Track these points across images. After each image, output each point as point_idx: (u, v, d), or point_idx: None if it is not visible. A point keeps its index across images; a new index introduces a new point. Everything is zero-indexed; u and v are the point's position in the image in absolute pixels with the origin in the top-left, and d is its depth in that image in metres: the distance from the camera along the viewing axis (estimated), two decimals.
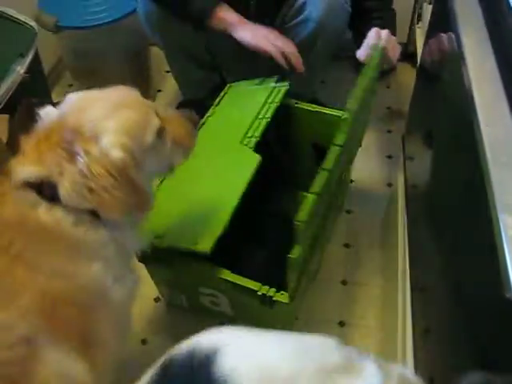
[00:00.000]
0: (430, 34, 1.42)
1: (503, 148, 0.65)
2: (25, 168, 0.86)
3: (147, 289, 1.41)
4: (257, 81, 1.55)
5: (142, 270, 1.27)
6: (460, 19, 0.93)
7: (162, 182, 1.23)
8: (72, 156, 0.83)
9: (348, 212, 1.72)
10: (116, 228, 0.92)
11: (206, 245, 1.08)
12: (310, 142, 1.54)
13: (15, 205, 0.85)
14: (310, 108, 1.50)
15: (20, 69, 1.54)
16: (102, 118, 0.87)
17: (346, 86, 1.52)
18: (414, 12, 2.08)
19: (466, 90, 0.78)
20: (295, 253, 1.01)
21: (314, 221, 1.10)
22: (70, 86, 2.22)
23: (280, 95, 1.43)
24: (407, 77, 2.15)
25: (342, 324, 1.45)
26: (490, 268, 0.59)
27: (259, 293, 1.12)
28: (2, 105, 1.47)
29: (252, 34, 1.49)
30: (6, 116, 1.42)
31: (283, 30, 1.67)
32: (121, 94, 0.93)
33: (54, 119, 0.90)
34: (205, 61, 1.80)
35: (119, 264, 0.94)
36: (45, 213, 0.85)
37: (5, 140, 1.38)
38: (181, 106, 2.00)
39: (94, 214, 0.88)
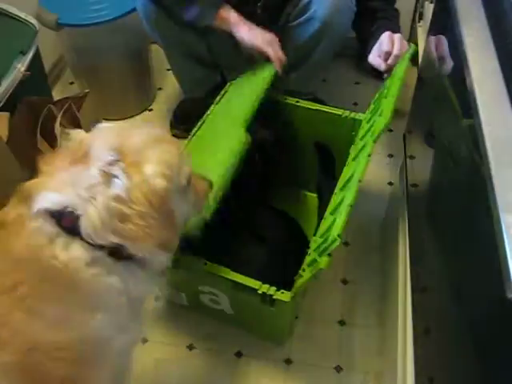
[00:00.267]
0: (432, 32, 1.42)
1: (505, 147, 0.65)
2: (46, 193, 0.81)
3: None
4: (253, 71, 1.56)
5: None
6: (462, 18, 0.92)
7: None
8: (108, 179, 0.80)
9: None
10: (132, 271, 0.87)
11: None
12: (311, 140, 1.54)
13: (30, 237, 0.79)
14: (310, 106, 1.50)
15: (21, 66, 1.54)
16: (144, 147, 0.84)
17: (347, 85, 1.54)
18: (415, 11, 2.07)
19: (468, 89, 0.78)
20: (324, 264, 1.00)
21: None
22: (71, 83, 2.22)
23: (268, 80, 1.46)
24: (408, 75, 2.14)
25: (342, 323, 1.45)
26: (492, 268, 0.59)
27: (259, 291, 1.12)
28: (3, 102, 1.47)
29: (251, 34, 1.50)
30: (7, 114, 1.42)
31: (288, 28, 1.67)
32: (156, 130, 0.90)
33: (85, 143, 0.85)
34: (206, 59, 1.80)
35: (127, 314, 0.87)
36: (61, 249, 0.79)
37: (5, 138, 1.37)
38: (182, 104, 2.00)
39: (113, 254, 0.83)
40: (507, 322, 0.58)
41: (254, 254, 1.33)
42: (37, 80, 1.68)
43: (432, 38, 1.36)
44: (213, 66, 1.85)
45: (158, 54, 2.06)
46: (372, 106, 1.39)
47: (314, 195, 1.67)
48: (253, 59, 1.75)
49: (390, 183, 1.77)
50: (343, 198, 1.10)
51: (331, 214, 1.16)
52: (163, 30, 1.67)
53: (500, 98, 0.72)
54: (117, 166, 0.80)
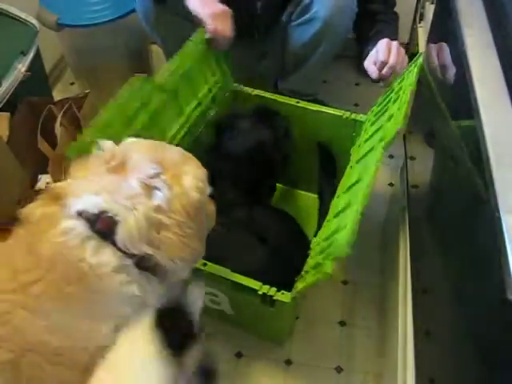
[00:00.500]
0: (433, 33, 1.42)
1: (506, 148, 0.65)
2: (84, 196, 0.82)
3: None
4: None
5: None
6: (463, 19, 0.93)
7: None
8: (149, 191, 0.83)
9: None
10: (151, 282, 0.87)
11: None
12: (311, 141, 1.54)
13: (60, 236, 0.80)
14: (311, 107, 1.50)
15: (21, 67, 1.54)
16: (180, 162, 0.89)
17: (348, 86, 1.54)
18: (416, 11, 2.07)
19: (469, 89, 0.78)
20: (329, 268, 0.99)
21: None
22: (72, 84, 2.22)
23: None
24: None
25: (342, 324, 1.45)
26: (492, 268, 0.59)
27: (260, 292, 1.12)
28: (3, 103, 1.47)
29: (200, 3, 1.43)
30: (7, 114, 1.42)
31: (289, 28, 1.67)
32: (180, 149, 0.95)
33: (119, 154, 0.87)
34: None
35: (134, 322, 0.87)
36: (91, 252, 0.80)
37: (5, 138, 1.38)
38: None
39: (139, 264, 0.84)
40: (508, 322, 0.58)
41: (255, 255, 1.33)
42: (37, 80, 1.68)
43: (433, 38, 1.37)
44: None
45: (158, 54, 2.06)
46: (377, 109, 1.39)
47: (314, 195, 1.67)
48: (256, 59, 1.76)
49: (391, 184, 1.77)
50: (349, 203, 1.09)
51: (335, 217, 1.16)
52: (162, 30, 1.67)
53: (501, 99, 0.72)
54: (159, 179, 0.84)
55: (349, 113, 1.47)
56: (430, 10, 1.76)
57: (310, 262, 1.13)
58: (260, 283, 1.13)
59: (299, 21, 1.61)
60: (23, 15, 1.63)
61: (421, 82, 1.26)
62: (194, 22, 1.58)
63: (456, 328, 0.85)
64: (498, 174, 0.61)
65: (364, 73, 1.50)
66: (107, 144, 0.90)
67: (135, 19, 1.72)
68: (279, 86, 1.84)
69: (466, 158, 0.84)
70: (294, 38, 1.65)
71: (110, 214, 0.80)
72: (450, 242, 0.95)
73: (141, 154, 0.88)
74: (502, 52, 0.81)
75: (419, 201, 1.28)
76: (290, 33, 1.66)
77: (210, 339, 1.41)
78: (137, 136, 0.98)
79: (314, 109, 1.49)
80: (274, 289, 1.12)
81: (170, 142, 1.32)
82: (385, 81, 1.45)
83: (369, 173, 1.10)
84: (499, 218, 0.57)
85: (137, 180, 0.83)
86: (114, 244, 0.81)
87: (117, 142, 0.93)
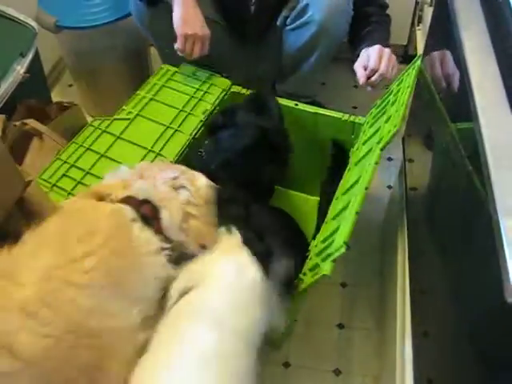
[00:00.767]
0: (431, 36, 1.42)
1: (504, 151, 0.65)
2: (128, 186, 0.97)
3: None
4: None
5: None
6: (461, 21, 0.93)
7: None
8: (176, 189, 0.99)
9: None
10: (176, 268, 0.95)
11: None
12: (310, 143, 1.54)
13: (110, 215, 0.91)
14: (309, 109, 1.50)
15: (20, 68, 1.54)
16: (186, 170, 1.07)
17: (346, 88, 1.54)
18: (414, 14, 2.07)
19: (467, 92, 0.78)
20: (327, 270, 0.99)
21: None
22: (70, 86, 2.22)
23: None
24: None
25: (341, 326, 1.45)
26: (491, 271, 0.59)
27: None
28: (2, 104, 1.47)
29: (182, 19, 1.47)
30: (3, 116, 1.42)
31: (285, 32, 1.67)
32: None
33: (137, 171, 1.04)
34: (201, 61, 1.80)
35: (157, 309, 0.91)
36: (138, 230, 0.91)
37: None
38: None
39: (173, 250, 0.95)
40: (506, 325, 0.58)
41: (253, 254, 1.32)
42: (36, 82, 1.68)
43: (431, 41, 1.37)
44: (209, 68, 1.85)
45: (156, 56, 2.06)
46: (375, 111, 1.39)
47: (313, 198, 1.67)
48: (254, 62, 1.75)
49: (389, 187, 1.77)
50: (348, 204, 1.09)
51: (333, 219, 1.15)
52: (157, 32, 1.67)
53: (500, 101, 0.72)
54: (182, 178, 1.01)
55: (347, 115, 1.47)
56: (428, 12, 1.76)
57: (308, 263, 1.13)
58: None
59: (295, 25, 1.62)
60: (22, 17, 1.63)
61: (419, 84, 1.27)
62: None
63: (454, 329, 0.85)
64: (496, 176, 0.61)
65: (355, 73, 1.52)
66: (123, 168, 1.07)
67: (134, 21, 1.72)
68: (277, 89, 1.84)
69: (464, 161, 0.84)
70: (290, 41, 1.66)
71: (152, 202, 0.95)
72: (448, 245, 0.95)
73: (156, 167, 1.06)
74: (501, 54, 0.81)
75: (418, 203, 1.28)
76: (286, 37, 1.67)
77: None
78: None
79: (313, 111, 1.49)
80: None
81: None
82: (372, 87, 1.49)
83: (366, 174, 1.10)
84: (497, 221, 0.57)
85: (164, 180, 0.99)
86: (156, 229, 0.93)
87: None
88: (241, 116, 1.38)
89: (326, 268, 0.98)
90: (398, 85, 1.34)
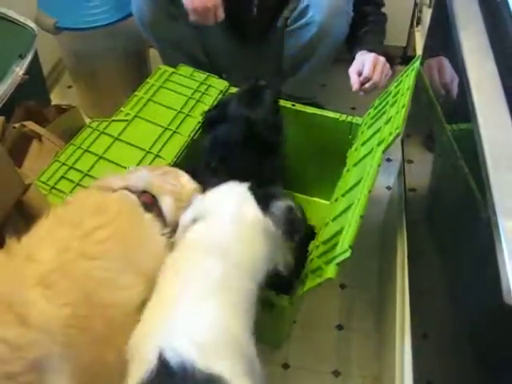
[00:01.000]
0: (430, 37, 1.42)
1: (503, 151, 0.65)
2: (128, 178, 1.06)
3: None
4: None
5: None
6: (460, 22, 0.93)
7: None
8: (165, 184, 1.09)
9: None
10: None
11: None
12: (308, 143, 1.54)
13: (119, 197, 1.00)
14: (307, 110, 1.50)
15: (19, 70, 1.54)
16: (172, 170, 1.19)
17: (345, 89, 1.54)
18: (413, 15, 2.08)
19: (466, 93, 0.78)
20: (331, 273, 0.98)
21: None
22: (69, 87, 2.22)
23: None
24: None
25: (340, 327, 1.45)
26: (490, 272, 0.58)
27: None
28: (1, 106, 1.47)
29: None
30: (1, 118, 1.42)
31: (285, 33, 1.67)
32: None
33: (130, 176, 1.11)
34: (202, 62, 1.80)
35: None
36: (143, 212, 1.00)
37: None
38: None
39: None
40: (505, 326, 0.58)
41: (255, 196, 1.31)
42: (35, 83, 1.68)
43: (430, 42, 1.37)
44: (210, 68, 1.85)
45: (156, 58, 2.06)
46: (373, 112, 1.39)
47: (311, 198, 1.67)
48: (254, 61, 1.75)
49: (389, 187, 1.77)
50: (349, 206, 1.08)
51: (333, 220, 1.15)
52: (158, 33, 1.67)
53: (498, 102, 0.72)
54: (169, 176, 1.12)
55: (345, 115, 1.47)
56: (427, 13, 1.76)
57: (310, 265, 1.13)
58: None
59: (295, 26, 1.62)
60: (21, 18, 1.63)
61: (418, 85, 1.27)
62: (188, 24, 1.59)
63: (454, 331, 0.85)
64: (495, 177, 0.61)
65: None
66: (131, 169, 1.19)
67: (133, 23, 1.72)
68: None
69: (463, 162, 0.84)
70: (291, 42, 1.66)
71: (150, 192, 1.04)
72: (447, 245, 0.95)
73: (146, 168, 1.16)
74: (499, 55, 0.81)
75: (417, 204, 1.28)
76: (287, 38, 1.67)
77: None
78: None
79: (310, 112, 1.49)
80: (273, 292, 1.12)
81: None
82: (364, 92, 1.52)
83: (369, 176, 1.10)
84: (496, 222, 0.57)
85: (157, 176, 1.09)
86: (156, 215, 1.01)
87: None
88: (232, 109, 1.36)
89: (331, 271, 0.97)
90: (396, 86, 1.34)
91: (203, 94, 1.52)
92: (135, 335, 0.86)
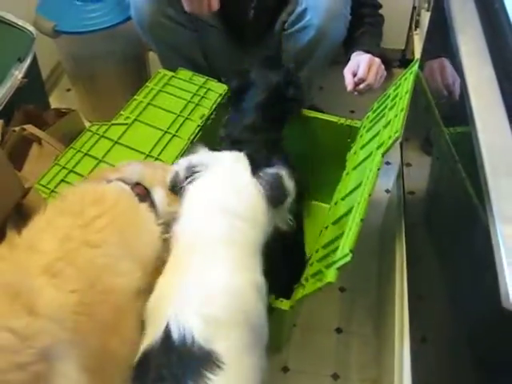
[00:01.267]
0: (428, 40, 1.42)
1: (501, 156, 0.65)
2: (124, 170, 1.09)
3: None
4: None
5: None
6: (458, 27, 0.93)
7: None
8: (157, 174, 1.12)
9: None
10: None
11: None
12: (306, 147, 1.54)
13: (113, 188, 1.02)
14: (305, 113, 1.50)
15: (18, 73, 1.54)
16: (161, 165, 1.23)
17: (344, 92, 1.54)
18: (411, 18, 2.08)
19: (464, 97, 0.78)
20: (332, 277, 0.98)
21: None
22: (68, 90, 2.22)
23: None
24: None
25: (339, 331, 1.45)
26: (488, 276, 0.59)
27: None
28: (0, 109, 1.47)
29: None
30: (1, 121, 1.42)
31: (283, 36, 1.67)
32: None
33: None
34: (201, 65, 1.80)
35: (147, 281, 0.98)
36: (138, 203, 1.02)
37: None
38: None
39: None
40: (504, 330, 0.58)
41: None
42: (34, 87, 1.68)
43: (429, 45, 1.37)
44: (208, 72, 1.85)
45: (155, 61, 2.06)
46: (372, 115, 1.39)
47: (314, 202, 1.67)
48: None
49: (387, 191, 1.78)
50: (349, 209, 1.08)
51: (333, 224, 1.15)
52: (157, 36, 1.67)
53: (496, 106, 0.73)
54: (160, 169, 1.14)
55: (344, 119, 1.47)
56: (425, 17, 1.77)
57: (310, 269, 1.12)
58: None
59: (293, 29, 1.62)
60: (20, 22, 1.63)
61: (416, 88, 1.27)
62: (187, 27, 1.59)
63: (452, 335, 0.85)
64: (493, 182, 0.61)
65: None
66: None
67: (132, 26, 1.72)
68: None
69: (461, 166, 0.84)
70: (289, 46, 1.66)
71: (143, 185, 1.06)
72: (446, 249, 0.95)
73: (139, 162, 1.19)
74: (497, 59, 0.81)
75: (415, 207, 1.28)
76: (285, 41, 1.67)
77: None
78: None
79: (309, 115, 1.50)
80: (273, 296, 1.12)
81: None
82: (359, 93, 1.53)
83: (368, 180, 1.10)
84: (494, 227, 0.57)
85: (149, 168, 1.12)
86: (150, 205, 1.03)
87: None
88: (257, 74, 1.39)
89: (331, 275, 0.97)
90: (395, 89, 1.34)
91: (202, 97, 1.52)
92: (151, 299, 0.90)
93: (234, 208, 1.00)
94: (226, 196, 1.03)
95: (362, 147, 1.30)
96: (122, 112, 1.45)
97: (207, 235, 0.97)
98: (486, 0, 0.91)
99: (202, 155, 1.13)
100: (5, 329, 0.72)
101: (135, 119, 1.43)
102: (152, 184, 1.08)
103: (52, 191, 1.24)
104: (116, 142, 1.36)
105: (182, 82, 1.56)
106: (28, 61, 1.59)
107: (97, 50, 1.88)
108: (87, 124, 1.70)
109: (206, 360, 0.80)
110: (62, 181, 1.26)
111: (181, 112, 1.46)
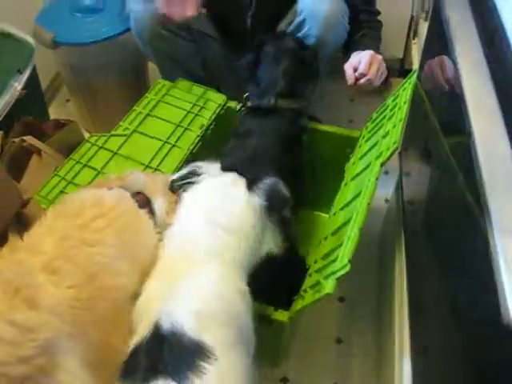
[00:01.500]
0: (426, 50, 1.43)
1: (499, 167, 0.65)
2: (127, 178, 1.11)
3: None
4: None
5: None
6: (455, 36, 0.93)
7: None
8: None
9: None
10: None
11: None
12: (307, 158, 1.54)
13: (116, 193, 1.04)
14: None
15: (17, 85, 1.55)
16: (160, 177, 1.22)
17: (342, 102, 1.54)
18: (409, 28, 2.09)
19: (462, 106, 0.78)
20: (330, 288, 0.98)
21: None
22: (67, 101, 2.22)
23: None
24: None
25: (339, 341, 1.44)
26: (489, 286, 0.58)
27: (257, 312, 1.11)
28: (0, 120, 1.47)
29: None
30: (0, 132, 1.42)
31: None
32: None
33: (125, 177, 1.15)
34: (200, 76, 1.81)
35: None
36: (138, 208, 1.04)
37: None
38: None
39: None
40: (504, 343, 0.58)
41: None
42: (33, 98, 1.69)
43: (427, 54, 1.38)
44: (207, 82, 1.86)
45: (154, 72, 2.06)
46: (371, 125, 1.39)
47: (312, 212, 1.66)
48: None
49: (386, 200, 1.77)
50: (348, 220, 1.08)
51: (332, 234, 1.15)
52: (156, 47, 1.68)
53: (494, 117, 0.73)
54: (160, 179, 1.17)
55: (343, 129, 1.47)
56: (423, 26, 1.77)
57: (309, 280, 1.12)
58: (257, 303, 1.12)
59: None
60: (19, 33, 1.64)
61: (415, 98, 1.27)
62: (186, 39, 1.60)
63: (453, 345, 0.84)
64: (492, 194, 0.61)
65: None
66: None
67: (131, 37, 1.73)
68: None
69: (460, 175, 0.84)
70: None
71: (144, 194, 1.08)
72: (445, 258, 0.95)
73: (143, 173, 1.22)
74: (495, 69, 0.81)
75: (415, 217, 1.28)
76: None
77: None
78: None
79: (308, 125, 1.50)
80: (272, 308, 1.12)
81: None
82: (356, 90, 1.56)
83: (367, 190, 1.10)
84: (493, 239, 0.56)
85: (150, 178, 1.15)
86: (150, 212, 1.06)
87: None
88: (274, 46, 1.47)
89: (329, 286, 0.97)
90: (393, 100, 1.34)
91: (202, 107, 1.52)
92: (140, 301, 0.92)
93: (219, 219, 1.04)
94: (215, 207, 1.08)
95: (361, 157, 1.30)
96: (121, 123, 1.45)
97: (193, 243, 1.01)
98: (484, 10, 0.91)
99: (200, 165, 1.16)
100: (6, 322, 0.73)
101: (134, 130, 1.43)
102: (153, 194, 1.10)
103: (52, 202, 1.24)
104: (115, 153, 1.37)
105: (182, 93, 1.56)
106: (27, 72, 1.60)
107: (96, 61, 1.89)
108: (86, 135, 1.70)
109: (196, 351, 0.82)
110: (62, 192, 1.27)
111: (180, 122, 1.47)
